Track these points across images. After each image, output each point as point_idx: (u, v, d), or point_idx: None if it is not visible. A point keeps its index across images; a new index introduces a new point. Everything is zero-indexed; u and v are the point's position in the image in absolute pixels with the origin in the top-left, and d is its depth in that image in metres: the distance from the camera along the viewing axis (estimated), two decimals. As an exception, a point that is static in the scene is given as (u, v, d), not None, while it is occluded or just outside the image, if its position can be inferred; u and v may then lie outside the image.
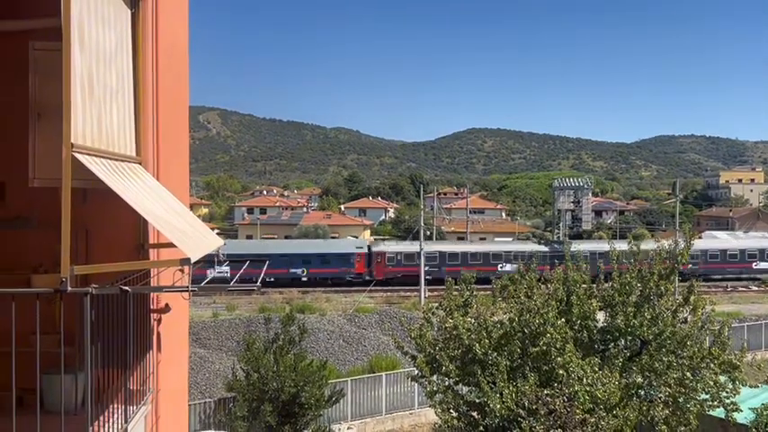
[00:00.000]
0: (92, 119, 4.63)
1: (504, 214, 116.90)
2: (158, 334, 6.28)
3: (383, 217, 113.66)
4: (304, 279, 58.19)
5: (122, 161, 5.17)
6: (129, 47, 5.61)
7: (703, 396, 14.81)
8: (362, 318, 39.78)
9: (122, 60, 5.43)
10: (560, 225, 71.57)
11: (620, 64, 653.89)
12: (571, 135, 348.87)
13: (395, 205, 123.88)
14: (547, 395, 13.29)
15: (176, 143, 7.34)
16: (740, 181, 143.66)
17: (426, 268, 59.75)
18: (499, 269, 58.49)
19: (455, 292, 16.80)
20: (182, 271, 5.45)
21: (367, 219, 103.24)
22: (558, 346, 13.93)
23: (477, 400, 14.53)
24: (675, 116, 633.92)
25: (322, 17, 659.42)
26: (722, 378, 14.98)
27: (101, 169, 4.52)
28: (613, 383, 13.72)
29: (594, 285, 16.53)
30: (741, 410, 15.06)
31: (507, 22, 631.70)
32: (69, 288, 4.13)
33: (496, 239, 76.30)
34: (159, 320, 6.28)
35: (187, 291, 5.45)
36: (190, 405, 19.55)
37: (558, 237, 69.90)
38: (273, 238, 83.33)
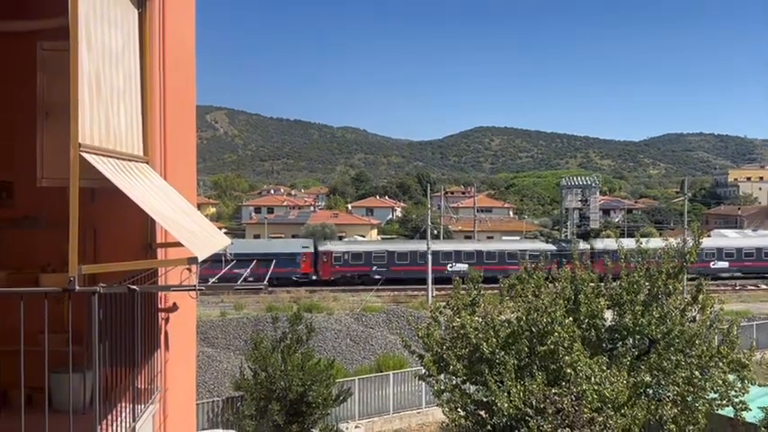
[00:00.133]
0: (99, 118, 4.64)
1: (511, 213, 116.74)
2: (166, 333, 6.30)
3: (390, 216, 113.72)
4: (250, 279, 58.05)
5: (130, 161, 5.18)
6: (137, 47, 5.62)
7: (712, 395, 14.76)
8: (370, 317, 39.80)
9: (129, 60, 5.44)
10: (568, 224, 71.41)
11: (628, 62, 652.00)
12: (579, 133, 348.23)
13: (402, 204, 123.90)
14: (555, 394, 13.27)
15: (184, 143, 7.36)
16: (749, 179, 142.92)
17: (374, 268, 59.66)
18: (449, 269, 58.43)
19: (462, 291, 16.79)
20: (189, 270, 5.46)
21: (374, 218, 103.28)
22: (565, 344, 13.90)
23: (485, 399, 14.52)
24: (684, 114, 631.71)
25: (329, 17, 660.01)
26: (731, 377, 14.92)
27: (108, 169, 4.53)
28: (621, 382, 13.69)
29: (602, 284, 16.50)
30: (750, 409, 14.99)
31: (514, 21, 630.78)
32: (77, 287, 4.15)
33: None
34: (167, 319, 6.29)
35: (195, 290, 5.46)
36: (198, 404, 19.56)
37: (566, 235, 69.76)
38: (281, 237, 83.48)
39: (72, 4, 4.25)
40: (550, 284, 16.60)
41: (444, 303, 17.07)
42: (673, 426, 14.13)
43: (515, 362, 14.40)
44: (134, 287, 4.74)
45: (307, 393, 20.11)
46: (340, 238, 78.27)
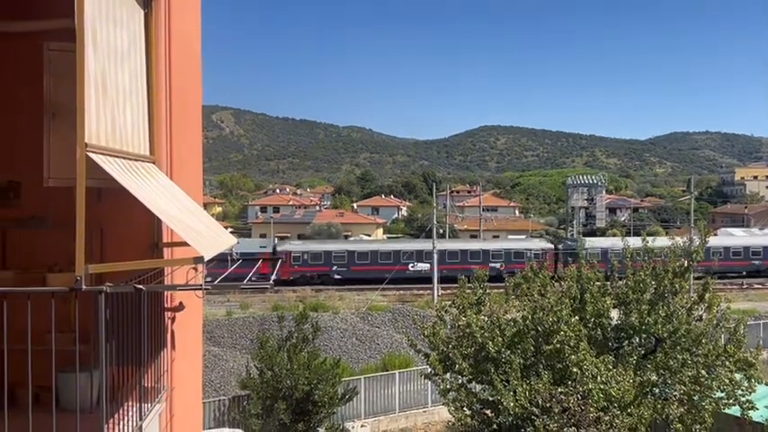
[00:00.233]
0: (105, 119, 4.66)
1: (517, 212, 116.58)
2: (172, 332, 6.31)
3: (396, 215, 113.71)
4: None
5: (136, 160, 5.20)
6: (143, 47, 5.64)
7: (719, 394, 14.71)
8: (375, 316, 39.82)
9: (135, 60, 5.46)
10: (574, 222, 71.29)
11: (634, 60, 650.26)
12: (584, 132, 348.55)
13: (407, 203, 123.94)
14: (560, 393, 13.25)
15: (190, 142, 7.37)
16: (755, 178, 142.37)
17: (334, 268, 59.42)
18: (410, 268, 58.27)
19: (468, 290, 16.79)
20: (195, 269, 5.47)
21: (380, 217, 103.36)
22: (571, 343, 13.88)
23: (491, 398, 14.51)
24: (690, 113, 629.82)
25: (334, 16, 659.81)
26: (738, 376, 14.87)
27: (115, 169, 4.55)
28: (628, 381, 13.66)
29: (609, 283, 16.47)
30: (757, 408, 14.93)
31: (519, 21, 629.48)
32: (84, 287, 4.16)
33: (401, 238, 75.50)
34: (173, 319, 6.31)
35: (201, 289, 5.48)
36: (204, 403, 19.63)
37: (572, 234, 69.66)
38: (287, 237, 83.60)
39: (78, 5, 4.27)
40: (556, 283, 16.59)
41: (450, 302, 17.07)
42: (679, 425, 14.09)
43: (521, 361, 14.39)
44: (140, 287, 4.75)
45: (313, 392, 20.14)
46: (346, 237, 78.38)
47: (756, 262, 62.93)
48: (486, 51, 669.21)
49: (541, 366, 14.41)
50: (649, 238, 17.65)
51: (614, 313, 15.91)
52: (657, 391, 14.89)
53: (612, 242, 61.41)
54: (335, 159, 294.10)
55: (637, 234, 62.88)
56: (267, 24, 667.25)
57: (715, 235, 62.81)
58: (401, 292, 54.02)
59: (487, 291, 16.78)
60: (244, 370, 23.88)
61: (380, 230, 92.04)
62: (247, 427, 20.22)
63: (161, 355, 5.85)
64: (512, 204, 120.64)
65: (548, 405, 13.14)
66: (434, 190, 68.06)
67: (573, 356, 13.74)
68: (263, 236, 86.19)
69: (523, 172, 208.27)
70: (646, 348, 15.50)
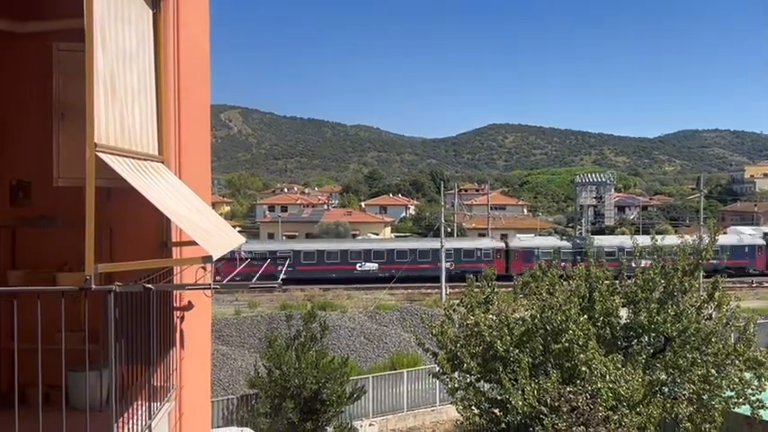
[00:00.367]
0: (114, 118, 4.67)
1: (525, 210, 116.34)
2: (181, 331, 6.33)
3: (404, 214, 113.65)
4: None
5: (145, 160, 5.21)
6: (151, 47, 5.65)
7: (728, 393, 14.65)
8: (383, 315, 39.83)
9: (144, 60, 5.47)
10: (582, 221, 71.04)
11: (642, 58, 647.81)
12: (593, 130, 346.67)
13: (415, 202, 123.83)
14: (569, 392, 13.22)
15: (198, 142, 7.39)
16: (765, 175, 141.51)
17: (279, 268, 59.22)
18: (358, 268, 58.03)
19: (476, 289, 16.77)
20: (204, 268, 5.48)
21: (387, 216, 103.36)
22: (580, 342, 13.85)
23: (499, 397, 14.49)
24: (699, 110, 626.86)
25: (342, 16, 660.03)
26: (747, 375, 14.81)
27: (124, 168, 4.56)
28: (637, 380, 13.62)
29: (617, 282, 16.43)
30: (767, 408, 14.87)
31: (527, 20, 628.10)
32: (93, 286, 4.18)
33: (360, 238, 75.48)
34: (182, 318, 6.32)
35: (209, 288, 5.49)
36: (213, 401, 19.69)
37: (581, 232, 69.41)
38: (295, 236, 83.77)
39: (87, 5, 4.28)
40: (565, 282, 16.55)
41: (458, 301, 17.07)
42: (689, 424, 14.04)
43: (530, 360, 14.36)
44: (149, 286, 4.77)
45: (321, 391, 20.16)
46: (354, 236, 78.37)
47: (714, 261, 61.90)
48: (494, 50, 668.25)
49: (550, 365, 14.38)
50: (658, 237, 17.59)
51: (623, 312, 15.87)
52: (667, 390, 14.84)
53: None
54: (343, 158, 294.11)
55: (646, 232, 62.67)
56: (275, 24, 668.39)
57: (725, 233, 62.56)
58: (409, 290, 54.01)
59: (495, 290, 16.76)
60: (252, 369, 23.94)
61: (388, 229, 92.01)
62: (256, 425, 20.26)
63: (170, 354, 5.86)
64: (520, 203, 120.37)
65: (556, 404, 13.12)
66: (442, 188, 67.98)
67: (581, 355, 13.71)
68: (270, 235, 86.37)
69: (532, 170, 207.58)
70: (655, 347, 15.45)
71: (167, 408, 5.74)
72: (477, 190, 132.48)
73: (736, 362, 14.66)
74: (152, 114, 5.62)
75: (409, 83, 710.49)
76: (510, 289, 17.83)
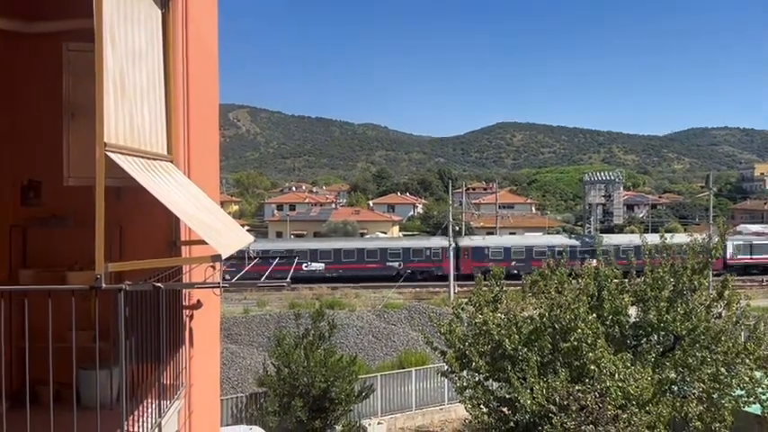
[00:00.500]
0: (124, 118, 4.69)
1: (534, 209, 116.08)
2: (190, 329, 6.35)
3: (412, 213, 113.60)
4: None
5: (154, 159, 5.23)
6: (160, 47, 5.67)
7: (738, 392, 14.60)
8: (391, 313, 39.83)
9: (153, 60, 5.49)
10: (591, 219, 70.83)
11: (651, 56, 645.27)
12: (602, 128, 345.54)
13: (423, 201, 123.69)
14: (578, 391, 13.20)
15: (207, 141, 7.42)
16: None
17: (224, 268, 59.09)
18: (304, 268, 57.95)
19: (485, 288, 16.75)
20: (213, 267, 5.50)
21: (395, 214, 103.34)
22: (589, 341, 13.82)
23: (508, 396, 14.48)
24: (708, 108, 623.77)
25: (349, 14, 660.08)
26: (758, 374, 14.75)
27: (133, 168, 4.58)
28: (646, 379, 13.58)
29: (626, 280, 16.38)
30: (777, 406, 14.81)
31: (534, 18, 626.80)
32: (104, 285, 4.20)
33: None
34: (191, 316, 6.34)
35: (218, 287, 5.51)
36: (222, 400, 19.75)
37: (589, 231, 69.23)
38: (303, 234, 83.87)
39: (96, 5, 4.30)
40: (573, 281, 16.52)
41: (466, 300, 17.06)
42: (698, 423, 13.99)
43: (538, 358, 14.34)
44: (159, 285, 4.79)
45: (329, 389, 20.20)
46: (362, 235, 78.39)
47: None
48: (501, 49, 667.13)
49: (559, 364, 14.36)
50: (667, 235, 17.53)
51: (632, 310, 15.82)
52: (676, 388, 14.80)
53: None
54: (351, 157, 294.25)
55: (655, 231, 62.46)
56: (282, 23, 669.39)
57: (736, 232, 62.26)
58: (417, 289, 53.98)
59: (504, 288, 16.74)
60: (261, 367, 24.00)
61: (396, 228, 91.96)
62: (264, 424, 20.32)
63: (179, 353, 5.88)
64: (528, 201, 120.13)
65: (565, 403, 13.09)
66: (450, 187, 67.90)
67: (590, 354, 13.68)
68: (279, 234, 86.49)
69: (540, 169, 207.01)
70: (664, 346, 15.40)
71: (177, 406, 5.76)
72: (485, 189, 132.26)
73: (747, 360, 14.60)
74: (161, 114, 5.64)
75: (417, 82, 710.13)
76: (518, 288, 17.80)
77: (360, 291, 51.64)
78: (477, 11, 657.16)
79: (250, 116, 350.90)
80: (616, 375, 13.42)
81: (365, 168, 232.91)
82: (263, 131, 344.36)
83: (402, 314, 39.75)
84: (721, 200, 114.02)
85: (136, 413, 4.75)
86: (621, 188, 76.91)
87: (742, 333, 15.74)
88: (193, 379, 6.38)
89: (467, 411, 15.47)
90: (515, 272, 48.78)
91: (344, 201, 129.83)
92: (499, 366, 14.83)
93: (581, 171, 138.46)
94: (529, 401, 13.49)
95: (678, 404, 14.18)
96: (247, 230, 7.98)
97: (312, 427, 20.31)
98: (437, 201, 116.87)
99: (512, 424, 14.19)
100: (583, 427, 12.72)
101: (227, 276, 6.19)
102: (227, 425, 20.82)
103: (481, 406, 14.82)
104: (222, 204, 9.38)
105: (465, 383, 15.30)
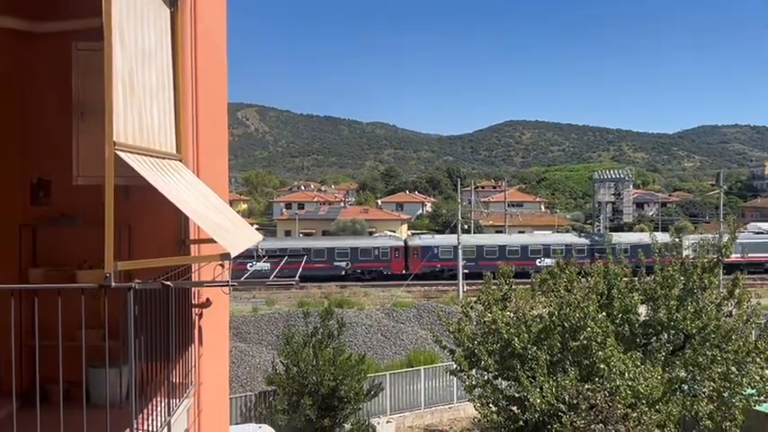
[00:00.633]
0: (133, 117, 4.70)
1: (543, 207, 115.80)
2: (200, 328, 6.37)
3: (420, 211, 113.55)
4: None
5: (163, 158, 5.24)
6: (169, 46, 5.68)
7: (749, 391, 14.52)
8: (400, 312, 39.79)
9: (162, 59, 5.50)
10: (600, 218, 70.63)
11: (660, 53, 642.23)
12: (611, 126, 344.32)
13: (432, 199, 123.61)
14: (588, 390, 13.16)
15: (216, 140, 7.43)
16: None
17: (243, 267, 59.03)
18: (248, 267, 57.69)
19: (494, 287, 16.72)
20: (222, 266, 5.51)
21: (404, 213, 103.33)
22: (598, 340, 13.77)
23: (517, 395, 14.45)
24: (718, 106, 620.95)
25: (357, 13, 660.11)
26: (769, 372, 14.66)
27: (142, 167, 4.59)
28: (656, 378, 13.53)
29: (636, 279, 16.32)
30: (789, 406, 14.74)
31: (543, 17, 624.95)
32: (113, 283, 4.21)
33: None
34: (200, 315, 6.36)
35: (227, 285, 5.51)
36: (231, 398, 19.78)
37: (599, 229, 69.03)
38: (312, 233, 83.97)
39: (105, 5, 4.31)
40: (583, 279, 16.47)
41: (475, 299, 17.03)
42: (709, 422, 13.93)
43: (547, 357, 14.31)
44: (168, 283, 4.79)
45: (338, 388, 20.20)
46: (370, 234, 78.40)
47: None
48: (510, 47, 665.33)
49: (568, 363, 14.32)
50: (681, 238, 17.45)
51: (642, 309, 15.76)
52: (686, 387, 14.73)
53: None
54: (360, 156, 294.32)
55: (665, 229, 62.17)
56: (290, 22, 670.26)
57: (744, 230, 61.85)
58: (426, 288, 53.95)
59: (513, 287, 16.70)
60: (270, 366, 24.03)
61: (405, 226, 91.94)
62: (273, 422, 20.34)
63: (189, 351, 5.90)
64: (537, 200, 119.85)
65: (574, 402, 13.05)
66: (459, 186, 67.84)
67: (600, 353, 13.63)
68: (287, 233, 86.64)
69: (549, 167, 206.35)
70: (674, 344, 15.34)
71: (186, 404, 5.78)
72: (494, 187, 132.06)
73: (758, 359, 14.52)
74: (170, 113, 5.65)
75: (426, 80, 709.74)
76: (528, 286, 17.76)
77: (368, 289, 51.63)
78: (481, 10, 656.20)
79: (259, 115, 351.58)
80: (626, 374, 13.37)
81: (374, 167, 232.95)
82: (271, 130, 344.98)
83: (411, 313, 39.70)
84: (732, 198, 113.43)
85: (145, 411, 4.76)
86: (631, 186, 76.71)
87: (753, 331, 15.65)
88: (202, 377, 6.39)
89: (476, 410, 15.44)
90: (466, 271, 49.28)
91: (353, 199, 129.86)
92: (508, 365, 14.80)
93: (590, 169, 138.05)
94: (538, 400, 13.46)
95: (688, 403, 14.11)
96: (256, 229, 7.98)
97: (321, 426, 20.33)
98: (446, 199, 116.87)
99: (521, 423, 14.16)
100: (592, 426, 12.67)
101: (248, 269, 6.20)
102: (237, 423, 20.86)
103: (490, 405, 14.79)
104: (231, 203, 9.40)
105: (474, 382, 15.28)
